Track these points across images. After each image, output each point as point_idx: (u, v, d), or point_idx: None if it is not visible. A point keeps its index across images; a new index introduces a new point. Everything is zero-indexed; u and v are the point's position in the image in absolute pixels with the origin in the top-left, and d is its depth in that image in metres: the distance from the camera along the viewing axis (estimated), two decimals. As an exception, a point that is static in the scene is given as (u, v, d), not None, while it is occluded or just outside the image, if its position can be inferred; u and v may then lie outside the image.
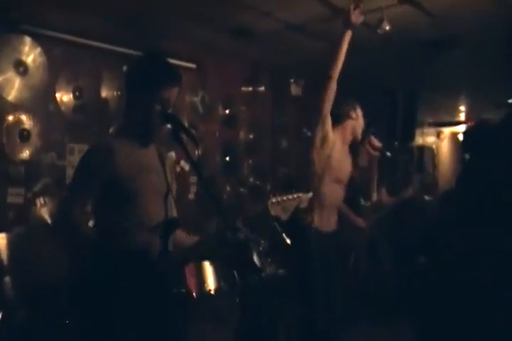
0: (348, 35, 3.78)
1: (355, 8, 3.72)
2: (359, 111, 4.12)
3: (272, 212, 2.67)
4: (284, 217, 2.71)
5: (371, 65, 6.48)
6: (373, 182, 5.82)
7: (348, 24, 3.74)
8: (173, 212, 2.79)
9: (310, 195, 2.87)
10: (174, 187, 2.78)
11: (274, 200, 2.68)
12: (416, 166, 9.07)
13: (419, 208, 6.77)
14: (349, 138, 4.09)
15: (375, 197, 6.05)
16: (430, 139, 10.61)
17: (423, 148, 9.98)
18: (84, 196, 2.59)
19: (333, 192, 3.96)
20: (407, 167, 6.61)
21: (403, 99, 7.13)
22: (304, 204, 2.80)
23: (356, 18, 3.74)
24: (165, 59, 2.74)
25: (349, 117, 4.06)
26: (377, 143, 5.47)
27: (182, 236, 2.78)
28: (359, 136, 4.13)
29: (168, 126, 2.57)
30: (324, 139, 3.85)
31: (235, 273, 4.11)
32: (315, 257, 3.76)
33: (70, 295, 2.66)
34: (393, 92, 7.18)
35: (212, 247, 2.72)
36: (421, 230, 6.34)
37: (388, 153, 5.11)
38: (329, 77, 3.79)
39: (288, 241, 3.92)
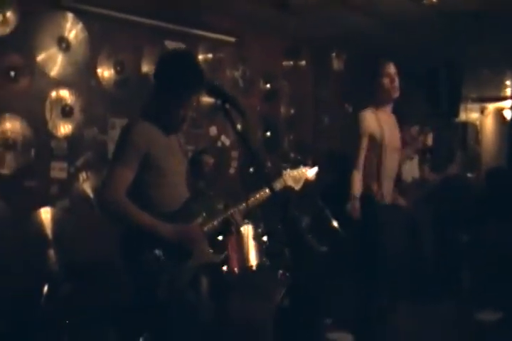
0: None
1: None
2: (391, 69, 4.07)
3: (287, 183, 3.19)
4: (297, 187, 3.23)
5: (416, 37, 6.33)
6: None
7: None
8: None
9: (315, 169, 3.31)
10: None
11: (286, 173, 3.20)
12: (459, 143, 8.88)
13: (462, 186, 6.64)
14: (386, 100, 4.08)
15: (417, 173, 5.96)
16: (474, 115, 10.34)
17: (466, 125, 9.74)
18: (131, 169, 2.64)
19: (393, 161, 4.02)
20: (449, 143, 6.47)
21: (447, 73, 6.93)
22: (311, 178, 3.29)
23: None
24: (198, 66, 2.81)
25: (381, 80, 4.02)
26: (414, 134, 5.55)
27: None
28: (395, 94, 4.07)
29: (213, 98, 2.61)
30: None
31: (286, 250, 4.12)
32: (378, 227, 3.80)
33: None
34: (437, 66, 6.99)
35: None
36: (464, 208, 6.25)
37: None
38: None
39: (330, 216, 3.87)
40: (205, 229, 2.82)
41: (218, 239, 3.02)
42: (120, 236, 2.70)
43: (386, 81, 4.00)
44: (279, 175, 3.20)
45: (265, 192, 2.99)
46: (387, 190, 3.96)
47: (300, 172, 3.27)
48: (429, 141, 5.49)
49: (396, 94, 4.06)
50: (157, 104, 2.80)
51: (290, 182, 3.21)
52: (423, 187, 5.68)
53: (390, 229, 3.84)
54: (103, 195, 2.64)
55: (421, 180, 5.86)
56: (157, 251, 2.64)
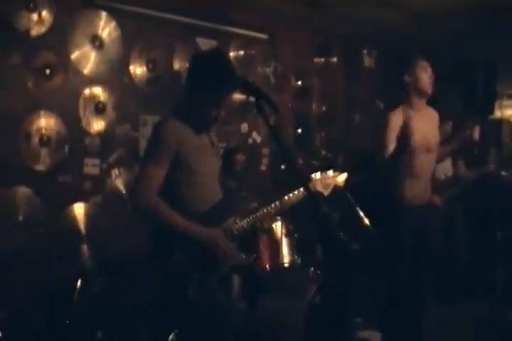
0: None
1: None
2: (423, 66, 3.83)
3: (316, 188, 3.11)
4: (326, 192, 3.14)
5: (449, 34, 6.24)
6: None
7: None
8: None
9: (345, 175, 3.22)
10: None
11: (315, 178, 3.14)
12: (493, 140, 8.73)
13: (496, 183, 6.52)
14: (420, 95, 3.87)
15: (451, 171, 5.87)
16: (509, 112, 10.17)
17: (501, 122, 9.58)
18: (163, 167, 2.64)
19: (425, 162, 3.82)
20: (484, 141, 6.34)
21: (483, 70, 6.81)
22: (341, 184, 3.20)
23: None
24: (231, 65, 2.77)
25: (416, 71, 3.84)
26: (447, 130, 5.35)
27: None
28: (430, 89, 3.88)
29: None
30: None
31: (317, 248, 4.10)
32: (406, 231, 3.71)
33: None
34: (472, 63, 6.87)
35: None
36: (498, 205, 6.15)
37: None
38: None
39: (361, 213, 3.83)
40: (235, 231, 2.81)
41: (248, 241, 3.01)
42: (150, 234, 2.72)
43: (422, 74, 3.78)
44: (307, 179, 3.12)
45: (294, 194, 2.97)
46: (419, 191, 3.81)
47: (330, 177, 3.19)
48: (476, 135, 5.09)
49: (430, 89, 3.84)
50: (188, 103, 2.79)
51: (319, 188, 3.14)
52: (457, 184, 5.59)
53: (422, 229, 3.75)
54: (135, 194, 2.65)
55: (454, 177, 5.77)
56: (188, 251, 2.65)
